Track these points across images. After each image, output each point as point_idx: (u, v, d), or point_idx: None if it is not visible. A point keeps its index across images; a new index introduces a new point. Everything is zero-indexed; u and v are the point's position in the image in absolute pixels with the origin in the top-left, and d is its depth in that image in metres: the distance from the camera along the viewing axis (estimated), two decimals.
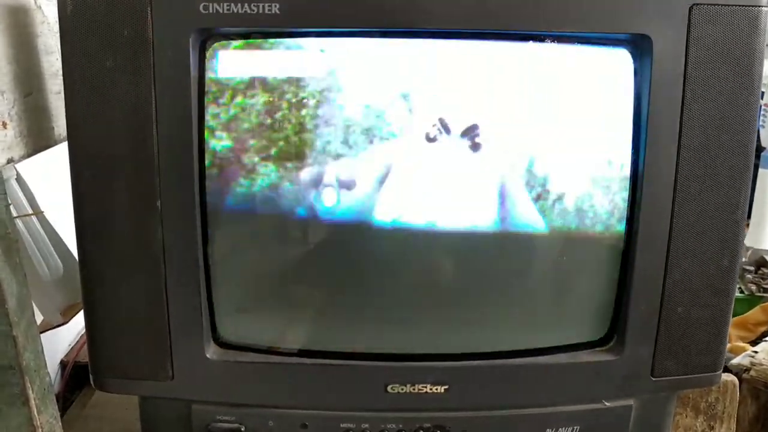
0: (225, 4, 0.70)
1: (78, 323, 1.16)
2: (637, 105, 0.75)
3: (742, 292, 1.68)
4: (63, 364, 1.16)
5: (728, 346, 1.22)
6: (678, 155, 0.74)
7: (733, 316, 1.32)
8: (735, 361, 1.19)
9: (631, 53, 0.74)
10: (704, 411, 1.11)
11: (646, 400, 0.86)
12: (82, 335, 1.22)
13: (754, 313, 1.50)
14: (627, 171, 0.77)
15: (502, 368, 0.82)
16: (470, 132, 0.77)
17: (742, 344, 1.34)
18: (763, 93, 0.99)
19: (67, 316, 0.97)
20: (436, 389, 0.81)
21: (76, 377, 1.17)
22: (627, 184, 0.78)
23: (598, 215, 0.80)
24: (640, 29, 0.72)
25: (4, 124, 0.74)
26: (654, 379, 0.82)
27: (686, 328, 0.80)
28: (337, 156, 0.76)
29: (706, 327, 0.81)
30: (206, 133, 0.74)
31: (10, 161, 0.75)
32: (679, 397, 1.06)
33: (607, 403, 0.85)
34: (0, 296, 0.74)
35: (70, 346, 1.20)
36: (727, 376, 1.10)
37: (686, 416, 1.10)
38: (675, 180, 0.75)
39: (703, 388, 1.05)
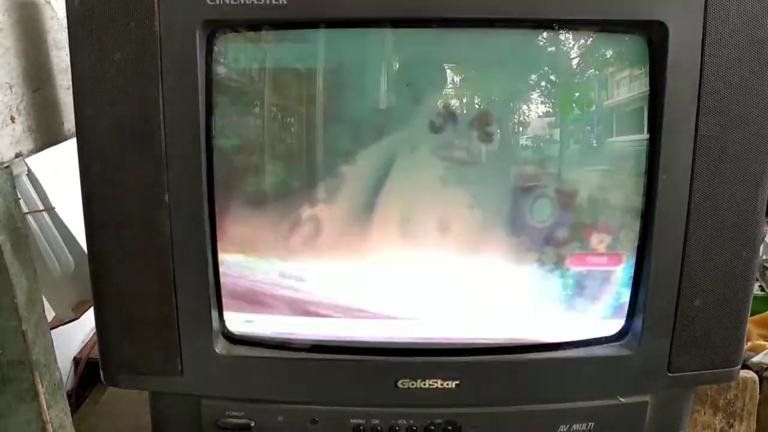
0: None
1: (91, 320, 1.16)
2: (652, 93, 0.74)
3: (763, 290, 1.65)
4: (76, 361, 1.17)
5: (749, 344, 1.20)
6: (695, 144, 0.72)
7: (754, 314, 1.30)
8: (756, 359, 1.17)
9: (647, 40, 0.73)
10: (723, 408, 1.09)
11: (663, 396, 0.85)
12: (95, 333, 1.22)
13: None
14: (643, 161, 0.76)
15: (515, 363, 0.81)
16: (481, 120, 0.76)
17: (763, 342, 1.32)
18: None
19: (78, 312, 0.97)
20: (447, 384, 0.80)
21: (89, 374, 1.17)
22: (642, 174, 0.76)
23: (613, 207, 0.79)
24: (656, 16, 0.70)
25: (13, 119, 0.74)
26: (670, 374, 0.81)
27: (703, 321, 0.79)
28: (346, 151, 0.76)
29: (723, 321, 0.79)
30: (214, 126, 0.74)
31: (18, 155, 0.75)
32: (697, 393, 1.04)
33: (622, 399, 0.83)
34: (9, 291, 0.74)
35: (83, 343, 1.21)
36: (746, 373, 1.08)
37: (704, 413, 1.08)
38: (692, 169, 0.73)
39: (721, 384, 1.03)
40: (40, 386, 0.77)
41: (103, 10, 0.69)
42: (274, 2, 0.69)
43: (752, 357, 1.16)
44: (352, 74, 0.76)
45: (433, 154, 0.77)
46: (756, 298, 1.20)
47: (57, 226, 0.92)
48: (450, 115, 0.76)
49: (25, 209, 0.84)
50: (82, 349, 1.19)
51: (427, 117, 0.75)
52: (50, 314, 0.93)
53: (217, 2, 0.69)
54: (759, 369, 1.14)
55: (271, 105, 0.75)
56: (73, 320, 0.97)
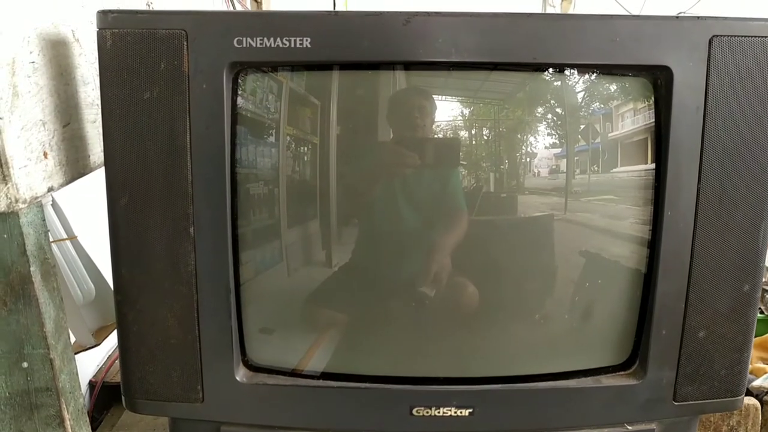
0: (258, 39, 0.72)
1: (107, 345, 1.18)
2: (657, 133, 0.77)
3: (762, 313, 1.67)
4: (91, 385, 1.18)
5: (749, 368, 1.22)
6: (699, 181, 0.76)
7: (755, 336, 1.32)
8: (756, 383, 1.19)
9: (652, 83, 0.76)
10: None
11: (668, 423, 0.87)
12: (110, 356, 1.24)
13: None
14: (649, 195, 0.79)
15: (527, 392, 0.83)
16: (495, 155, 0.79)
17: (762, 366, 1.34)
18: None
19: (99, 338, 0.99)
20: (461, 412, 0.82)
21: (105, 398, 1.19)
22: (648, 209, 0.79)
23: (621, 241, 0.82)
24: (661, 60, 0.74)
25: (45, 154, 0.77)
26: (676, 403, 0.83)
27: (707, 352, 0.81)
28: (364, 186, 0.79)
29: (727, 352, 0.82)
30: (238, 161, 0.77)
31: (50, 189, 0.78)
32: (701, 420, 1.06)
33: (629, 427, 0.86)
34: (38, 320, 0.76)
35: (98, 367, 1.22)
36: (749, 400, 1.10)
37: None
38: (696, 206, 0.76)
39: (726, 412, 1.05)
40: (66, 412, 0.79)
41: (134, 51, 0.72)
42: (298, 45, 0.72)
43: (753, 381, 1.19)
44: (374, 108, 0.80)
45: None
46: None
47: (79, 254, 0.94)
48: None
49: (50, 238, 0.86)
50: (97, 373, 1.21)
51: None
52: (71, 340, 0.95)
53: (245, 44, 0.73)
54: (759, 393, 1.16)
55: (294, 141, 0.78)
56: (95, 346, 0.99)
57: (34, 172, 0.74)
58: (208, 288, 0.78)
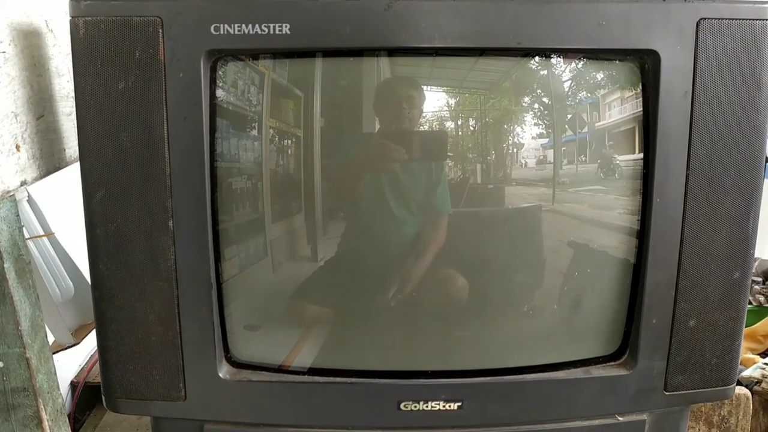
0: (236, 26, 0.70)
1: (88, 344, 1.16)
2: (645, 119, 0.76)
3: (750, 303, 1.67)
4: (73, 385, 1.16)
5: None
6: (688, 168, 0.75)
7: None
8: (746, 373, 1.19)
9: (640, 68, 0.75)
10: (717, 425, 1.10)
11: (660, 414, 0.86)
12: (92, 356, 1.22)
13: (763, 325, 1.49)
14: (638, 185, 0.77)
15: (516, 384, 0.82)
16: (482, 147, 0.78)
17: (752, 356, 1.34)
18: None
19: (78, 337, 0.97)
20: (450, 406, 0.81)
21: (87, 398, 1.17)
22: (637, 199, 0.78)
23: (609, 231, 0.80)
24: (648, 44, 0.73)
25: (18, 147, 0.74)
26: (667, 393, 0.82)
27: (698, 341, 0.80)
28: (349, 179, 0.77)
29: (718, 340, 0.81)
30: (218, 153, 0.75)
31: (23, 183, 0.76)
32: (691, 410, 1.05)
33: (620, 418, 0.84)
34: (14, 318, 0.74)
35: (80, 367, 1.20)
36: (740, 390, 1.09)
37: (699, 430, 1.10)
38: (685, 193, 0.75)
39: (717, 401, 1.04)
40: (44, 413, 0.77)
41: (107, 39, 0.70)
42: (277, 32, 0.71)
43: (742, 371, 1.18)
44: (355, 96, 0.78)
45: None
46: None
47: (57, 251, 0.92)
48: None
49: (26, 235, 0.84)
50: (79, 372, 1.19)
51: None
52: (50, 339, 0.92)
53: (222, 32, 0.71)
54: (749, 383, 1.16)
55: (274, 130, 0.76)
56: (74, 345, 0.97)
57: (5, 165, 0.72)
58: (189, 283, 0.76)
